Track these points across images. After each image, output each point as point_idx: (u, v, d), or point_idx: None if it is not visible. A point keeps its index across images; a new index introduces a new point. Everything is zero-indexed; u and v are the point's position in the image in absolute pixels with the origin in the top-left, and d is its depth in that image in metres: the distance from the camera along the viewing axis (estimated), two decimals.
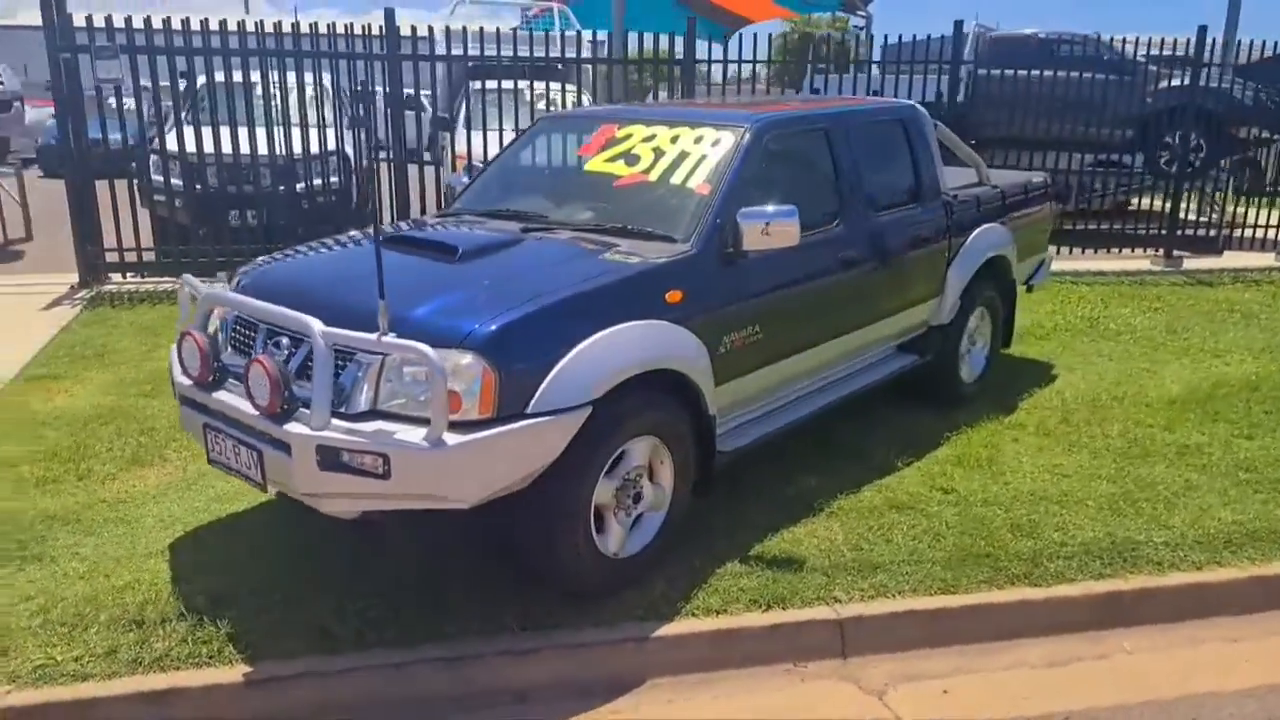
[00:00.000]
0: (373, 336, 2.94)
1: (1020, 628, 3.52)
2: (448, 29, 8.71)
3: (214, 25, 7.60)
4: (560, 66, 9.17)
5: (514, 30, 9.54)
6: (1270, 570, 3.78)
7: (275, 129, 7.90)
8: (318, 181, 8.46)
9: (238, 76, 8.08)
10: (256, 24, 8.75)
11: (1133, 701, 3.18)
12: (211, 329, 3.48)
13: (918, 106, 5.15)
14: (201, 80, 8.38)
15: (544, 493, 3.15)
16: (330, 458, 2.90)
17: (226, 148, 7.88)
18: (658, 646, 3.26)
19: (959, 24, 9.69)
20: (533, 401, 3.01)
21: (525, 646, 3.22)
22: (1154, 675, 3.34)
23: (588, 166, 4.22)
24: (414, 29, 8.57)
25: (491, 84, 9.15)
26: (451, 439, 2.87)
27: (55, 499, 4.15)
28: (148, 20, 7.70)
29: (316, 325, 3.00)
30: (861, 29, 22.43)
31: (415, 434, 2.88)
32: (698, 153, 3.98)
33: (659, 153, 4.05)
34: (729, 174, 3.87)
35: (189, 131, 8.13)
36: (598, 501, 3.32)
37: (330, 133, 8.66)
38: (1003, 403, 5.47)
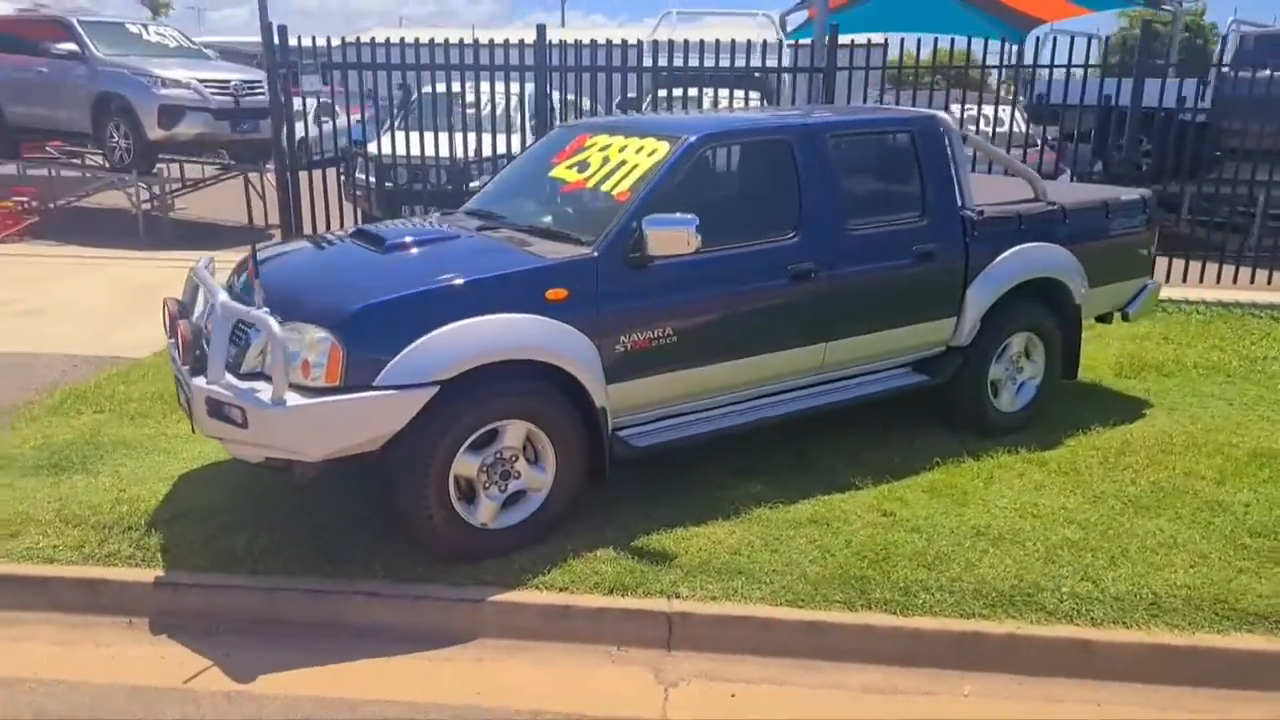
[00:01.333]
0: (258, 311, 3.51)
1: (855, 652, 3.45)
2: (640, 42, 9.25)
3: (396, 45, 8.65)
4: (757, 75, 9.38)
5: (716, 41, 9.67)
6: (1179, 640, 3.39)
7: (469, 134, 8.79)
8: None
9: (443, 88, 9.11)
10: (459, 40, 9.75)
11: None
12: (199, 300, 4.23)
13: (938, 116, 4.95)
14: (407, 91, 9.54)
15: (400, 460, 3.58)
16: (214, 407, 3.51)
17: (416, 150, 8.93)
18: (492, 610, 3.58)
19: None
20: (379, 376, 3.45)
21: (381, 591, 3.66)
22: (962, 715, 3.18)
23: (551, 173, 4.57)
24: (608, 41, 9.16)
25: (677, 91, 9.60)
26: (294, 400, 3.38)
27: (135, 429, 5.14)
28: (357, 39, 8.91)
29: (221, 297, 3.62)
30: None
31: (291, 396, 3.42)
32: (634, 162, 4.20)
33: (605, 161, 4.31)
34: (650, 183, 4.06)
35: (389, 137, 9.31)
36: (462, 474, 3.69)
37: (515, 138, 9.49)
38: (1048, 436, 5.12)
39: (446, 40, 8.87)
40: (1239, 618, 3.50)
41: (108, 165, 10.76)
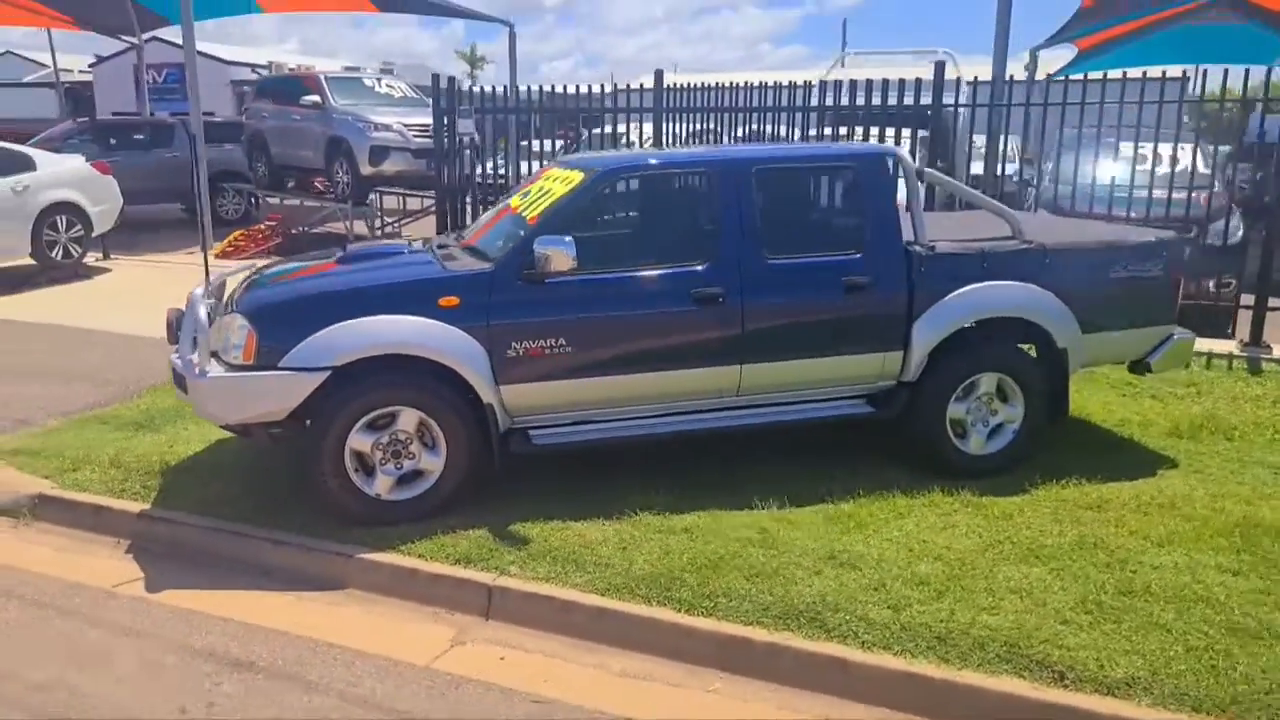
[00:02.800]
0: (202, 302, 4.43)
1: (633, 641, 3.73)
2: (806, 83, 9.62)
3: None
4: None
5: (884, 81, 9.57)
6: (937, 673, 3.37)
7: None
8: None
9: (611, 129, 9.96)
10: (639, 85, 10.49)
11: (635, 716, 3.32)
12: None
13: (886, 153, 5.01)
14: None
15: (308, 432, 4.34)
16: (175, 376, 4.46)
17: None
18: (357, 565, 4.22)
19: None
20: (283, 359, 4.23)
21: (284, 539, 4.41)
22: (693, 710, 3.38)
23: (510, 201, 5.17)
24: (775, 83, 9.63)
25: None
26: (214, 372, 4.24)
27: None
28: (548, 87, 10.01)
29: (197, 292, 4.57)
30: None
31: (212, 368, 4.30)
32: (555, 191, 4.72)
33: (542, 190, 4.86)
34: (554, 209, 4.57)
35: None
36: (357, 449, 4.38)
37: None
38: (1019, 483, 4.91)
39: (615, 86, 9.73)
40: (1023, 663, 3.39)
41: (333, 197, 12.65)
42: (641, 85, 9.66)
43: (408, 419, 4.41)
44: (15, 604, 4.05)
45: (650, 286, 4.62)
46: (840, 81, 8.82)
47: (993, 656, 3.43)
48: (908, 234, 4.93)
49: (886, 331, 4.90)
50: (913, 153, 9.53)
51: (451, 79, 9.81)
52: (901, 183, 5.05)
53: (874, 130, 9.78)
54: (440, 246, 5.10)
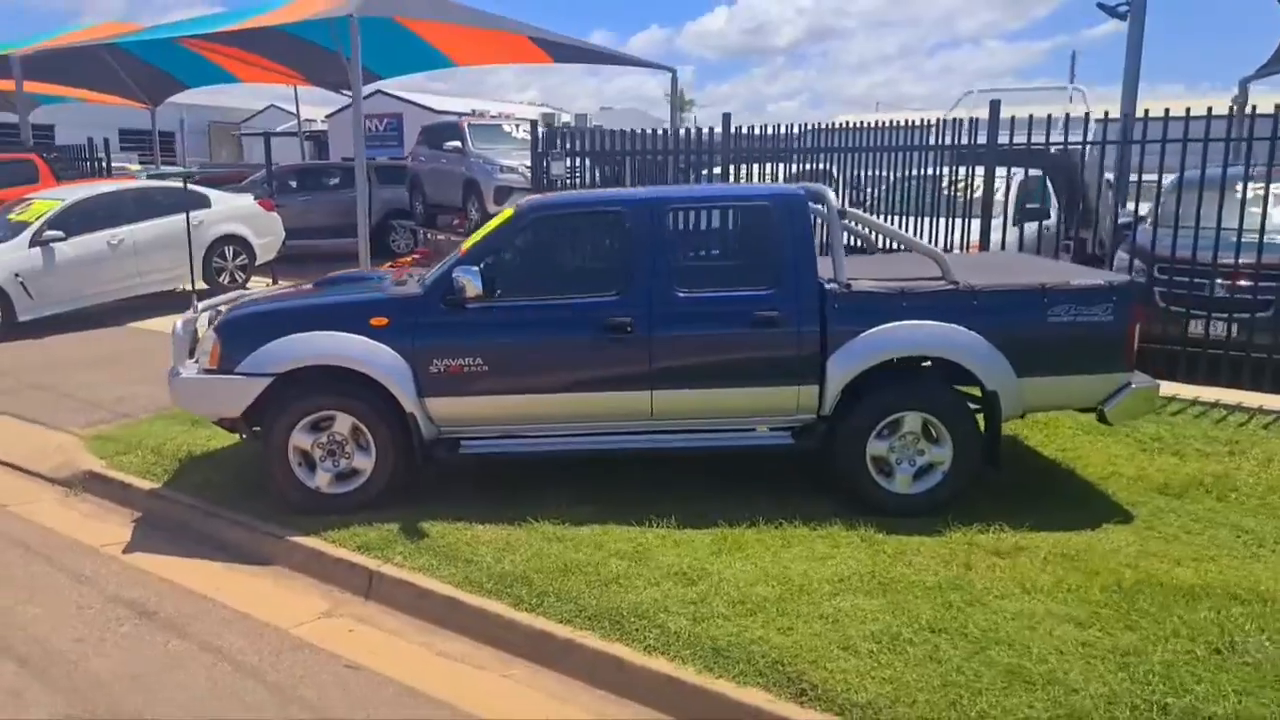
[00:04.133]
0: (184, 317, 5.29)
1: (466, 628, 4.17)
2: (923, 120, 9.67)
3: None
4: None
5: (1011, 118, 9.28)
6: (696, 679, 3.58)
7: None
8: None
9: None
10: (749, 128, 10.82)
11: (416, 688, 3.75)
12: None
13: (804, 193, 5.16)
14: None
15: (261, 430, 5.09)
16: (170, 380, 5.34)
17: None
18: (283, 546, 4.89)
19: None
20: (239, 365, 5.00)
21: (238, 520, 5.16)
22: (473, 688, 3.76)
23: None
24: (892, 121, 9.76)
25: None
26: (184, 374, 5.08)
27: None
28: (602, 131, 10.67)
29: (187, 316, 5.43)
30: None
31: (185, 371, 5.15)
32: (490, 226, 5.26)
33: (485, 226, 5.41)
34: (482, 242, 5.11)
35: None
36: (301, 447, 5.07)
37: None
38: (936, 524, 4.92)
39: (711, 130, 10.19)
40: (777, 678, 3.54)
41: (465, 233, 13.79)
42: (775, 127, 9.80)
43: (343, 423, 5.05)
44: (13, 549, 5.01)
45: (565, 315, 5.05)
46: (960, 120, 8.75)
47: (753, 670, 3.59)
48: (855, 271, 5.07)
49: (800, 366, 5.05)
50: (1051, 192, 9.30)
51: (533, 122, 10.57)
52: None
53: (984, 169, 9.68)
54: (411, 275, 5.75)
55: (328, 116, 30.02)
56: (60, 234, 10.38)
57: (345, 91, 24.84)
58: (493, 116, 21.11)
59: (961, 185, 8.25)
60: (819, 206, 5.23)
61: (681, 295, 5.03)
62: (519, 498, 5.20)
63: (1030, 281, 5.13)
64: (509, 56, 22.10)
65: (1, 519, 5.46)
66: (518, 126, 14.44)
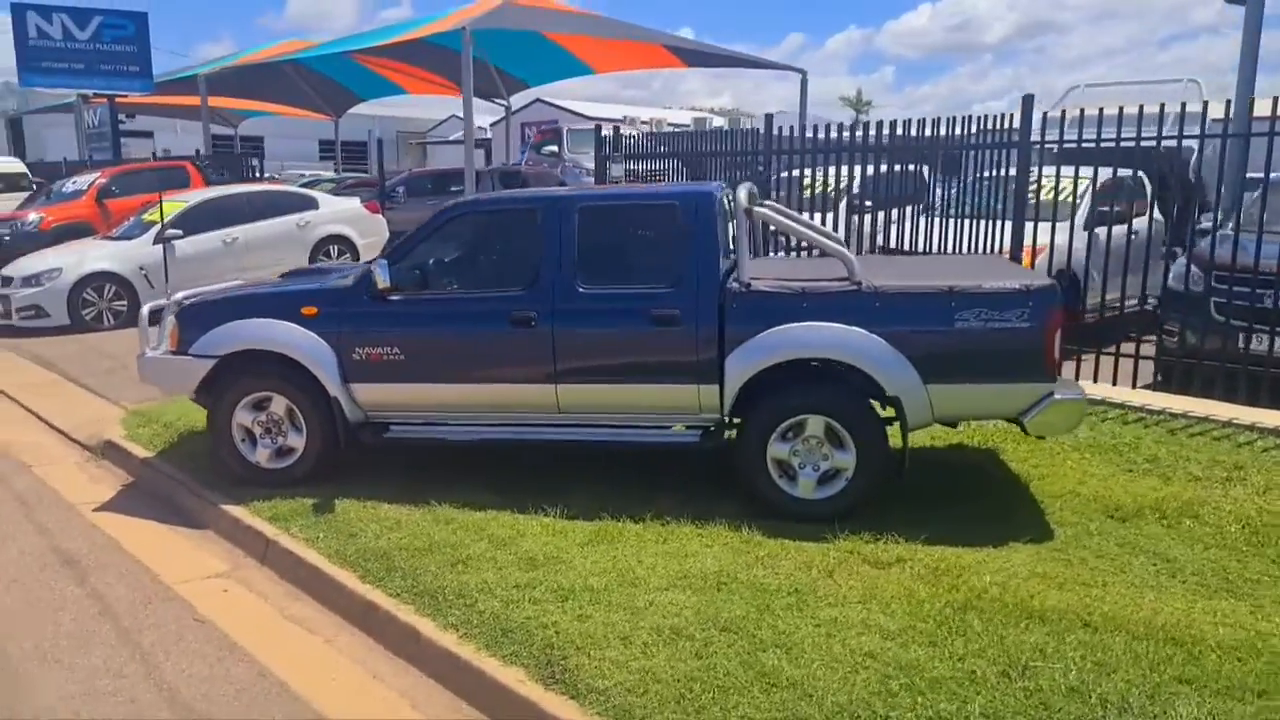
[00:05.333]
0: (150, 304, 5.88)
1: (323, 596, 4.48)
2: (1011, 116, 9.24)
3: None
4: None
5: (1100, 111, 8.61)
6: (469, 655, 3.74)
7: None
8: None
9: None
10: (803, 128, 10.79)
11: (240, 644, 4.10)
12: None
13: (712, 192, 5.14)
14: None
15: (209, 407, 5.63)
16: (137, 359, 5.95)
17: None
18: (215, 513, 5.38)
19: None
20: (190, 348, 5.55)
21: (193, 489, 5.70)
22: (297, 649, 4.06)
23: None
24: (980, 117, 9.49)
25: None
26: (148, 354, 5.67)
27: None
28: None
29: (155, 304, 6.02)
30: None
31: (149, 352, 5.75)
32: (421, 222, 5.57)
33: None
34: (408, 238, 5.43)
35: None
36: (243, 424, 5.55)
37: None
38: (828, 533, 4.76)
39: (792, 129, 10.15)
40: (541, 659, 3.64)
41: None
42: (829, 126, 9.66)
43: (279, 404, 5.50)
44: (9, 503, 5.75)
45: (477, 308, 5.29)
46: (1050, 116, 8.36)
47: (525, 652, 3.70)
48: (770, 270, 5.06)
49: (699, 365, 5.06)
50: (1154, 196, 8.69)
51: (615, 130, 10.83)
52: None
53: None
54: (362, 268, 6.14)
55: (492, 125, 31.56)
56: (179, 232, 11.55)
57: (498, 100, 26.12)
58: (643, 122, 21.61)
59: (1029, 187, 7.85)
60: (762, 209, 5.25)
61: (583, 291, 5.15)
62: (438, 482, 5.45)
63: (936, 283, 4.91)
64: (645, 63, 22.59)
65: (18, 476, 6.26)
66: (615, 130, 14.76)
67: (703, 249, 5.07)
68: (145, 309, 5.81)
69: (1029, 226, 7.76)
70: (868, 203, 8.83)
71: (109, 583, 4.68)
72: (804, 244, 7.83)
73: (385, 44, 19.11)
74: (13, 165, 24.77)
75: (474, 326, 5.28)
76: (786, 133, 9.34)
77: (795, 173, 9.71)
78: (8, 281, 11.28)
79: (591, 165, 13.20)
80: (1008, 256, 7.72)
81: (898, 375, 4.85)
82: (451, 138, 35.63)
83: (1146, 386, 7.06)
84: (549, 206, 5.29)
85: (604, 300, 5.14)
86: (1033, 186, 8.45)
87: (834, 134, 8.90)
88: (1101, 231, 8.76)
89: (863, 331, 4.86)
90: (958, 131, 8.07)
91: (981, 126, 7.96)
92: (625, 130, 15.25)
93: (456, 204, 5.51)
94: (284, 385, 5.45)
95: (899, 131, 8.33)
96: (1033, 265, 7.97)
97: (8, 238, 12.93)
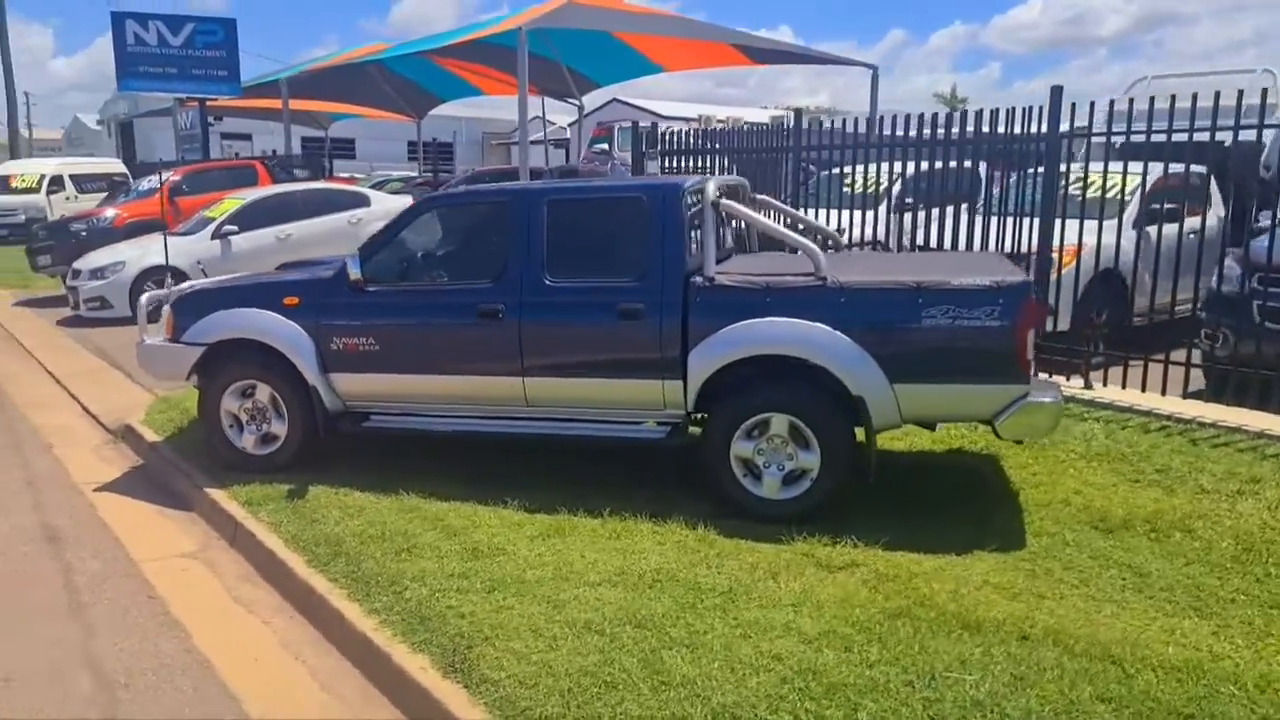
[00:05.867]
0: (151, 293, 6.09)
1: (270, 575, 4.62)
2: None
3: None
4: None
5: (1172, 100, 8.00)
6: (383, 643, 3.76)
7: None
8: None
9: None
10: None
11: (181, 620, 4.22)
12: None
13: (679, 186, 5.05)
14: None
15: (200, 394, 5.81)
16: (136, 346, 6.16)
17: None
18: (200, 496, 5.55)
19: None
20: (183, 335, 5.74)
21: (185, 470, 5.89)
22: (220, 633, 4.17)
23: None
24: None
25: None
26: (147, 342, 5.88)
27: None
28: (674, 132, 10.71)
29: (153, 293, 6.23)
30: None
31: (147, 339, 5.96)
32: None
33: None
34: (382, 230, 5.51)
35: None
36: (231, 410, 5.72)
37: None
38: (785, 534, 4.65)
39: (783, 124, 9.94)
40: (448, 649, 3.63)
41: None
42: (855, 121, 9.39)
43: (263, 392, 5.64)
44: (18, 481, 6.03)
45: (447, 300, 5.33)
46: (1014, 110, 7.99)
47: (435, 640, 3.71)
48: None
49: (663, 359, 5.00)
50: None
51: (653, 127, 10.80)
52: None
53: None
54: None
55: (570, 125, 31.84)
56: (235, 228, 11.99)
57: (571, 100, 26.32)
58: (719, 121, 21.51)
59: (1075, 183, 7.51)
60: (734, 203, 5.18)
61: (550, 284, 5.13)
62: (414, 472, 5.52)
63: (903, 279, 4.74)
64: (713, 61, 22.44)
65: (39, 456, 6.58)
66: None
67: (667, 243, 5.00)
68: (143, 299, 6.03)
69: (1065, 224, 7.38)
70: (908, 200, 8.60)
71: (83, 558, 4.87)
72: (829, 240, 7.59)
73: (448, 45, 19.45)
74: (114, 166, 26.14)
75: (444, 318, 5.32)
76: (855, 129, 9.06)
77: (837, 170, 9.51)
78: (77, 275, 11.86)
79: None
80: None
81: (862, 373, 4.69)
82: (533, 138, 36.15)
83: (1192, 395, 6.65)
84: (517, 200, 5.30)
85: (570, 294, 5.12)
86: (1077, 182, 8.13)
87: (877, 130, 8.67)
88: (1154, 231, 8.36)
89: (826, 328, 4.72)
90: (986, 127, 7.77)
91: (1010, 121, 7.65)
92: (689, 128, 15.21)
93: (431, 197, 5.57)
94: (267, 374, 5.59)
95: (941, 125, 8.08)
96: (1076, 265, 7.62)
97: (84, 233, 13.61)
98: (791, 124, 9.28)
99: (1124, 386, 6.99)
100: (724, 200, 5.04)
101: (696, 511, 4.95)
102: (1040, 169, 7.82)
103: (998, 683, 3.34)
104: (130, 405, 7.62)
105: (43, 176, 23.28)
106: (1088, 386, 7.34)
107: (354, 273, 5.22)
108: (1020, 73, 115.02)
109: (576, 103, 26.28)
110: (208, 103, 22.64)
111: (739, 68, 23.24)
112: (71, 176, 23.77)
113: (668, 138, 10.51)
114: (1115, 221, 7.97)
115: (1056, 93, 7.41)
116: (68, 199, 23.09)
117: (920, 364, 4.69)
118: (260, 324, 5.55)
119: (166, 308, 5.91)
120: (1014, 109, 7.60)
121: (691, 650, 3.55)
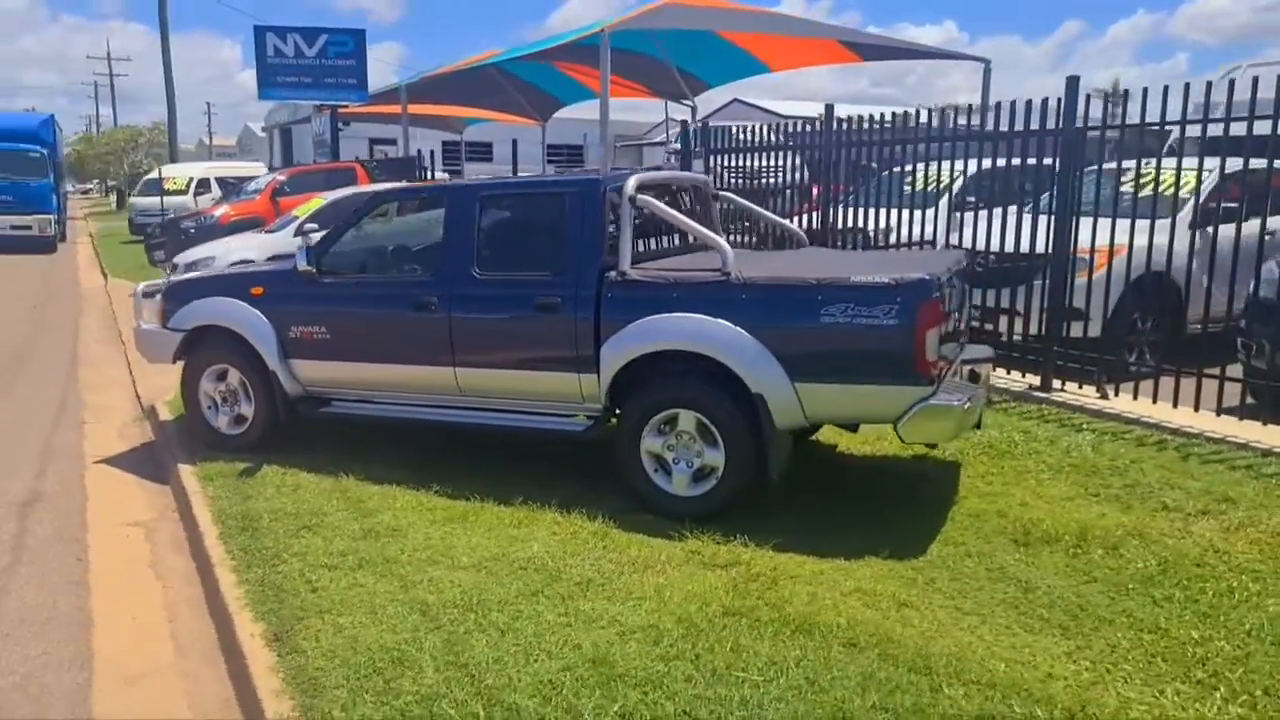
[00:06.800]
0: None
1: (194, 552, 4.90)
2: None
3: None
4: None
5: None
6: (251, 626, 3.99)
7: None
8: None
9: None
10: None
11: (91, 585, 4.58)
12: None
13: (594, 182, 5.07)
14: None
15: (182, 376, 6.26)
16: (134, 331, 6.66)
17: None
18: (176, 471, 5.97)
19: None
20: (169, 322, 6.19)
21: (171, 448, 6.35)
22: (118, 600, 4.49)
23: None
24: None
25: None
26: (143, 327, 6.37)
27: None
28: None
29: (149, 283, 6.72)
30: None
31: (142, 325, 6.45)
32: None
33: None
34: (338, 225, 5.78)
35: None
36: (208, 392, 6.13)
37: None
38: (680, 529, 4.64)
39: (818, 122, 9.73)
40: (283, 621, 3.82)
41: None
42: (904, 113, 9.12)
43: (234, 376, 6.02)
44: (33, 452, 6.62)
45: (389, 291, 5.56)
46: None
47: (277, 611, 3.91)
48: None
49: (579, 353, 5.05)
50: None
51: (699, 126, 10.79)
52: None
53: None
54: None
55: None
56: (315, 226, 12.69)
57: (684, 102, 26.38)
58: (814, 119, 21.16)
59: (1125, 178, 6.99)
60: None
61: (478, 277, 5.27)
62: (370, 455, 5.77)
63: (803, 276, 4.62)
64: (820, 59, 22.01)
65: (66, 432, 7.21)
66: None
67: (583, 238, 5.05)
68: (139, 287, 6.53)
69: (1093, 223, 6.90)
70: (969, 199, 8.26)
71: (42, 522, 5.33)
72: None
73: (545, 50, 19.89)
74: (256, 169, 28.00)
75: (386, 309, 5.54)
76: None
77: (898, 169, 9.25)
78: (175, 268, 12.83)
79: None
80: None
81: (762, 371, 4.61)
82: (657, 139, 36.41)
83: (1230, 410, 6.14)
84: (453, 195, 5.46)
85: (496, 287, 5.24)
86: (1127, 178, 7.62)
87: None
88: (1222, 231, 7.71)
89: (726, 324, 4.67)
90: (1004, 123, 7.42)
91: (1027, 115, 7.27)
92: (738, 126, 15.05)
93: (381, 192, 5.79)
94: (236, 358, 5.95)
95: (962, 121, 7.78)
96: (1109, 268, 7.11)
97: (193, 230, 14.70)
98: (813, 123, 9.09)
99: (1155, 400, 6.52)
100: (640, 196, 5.03)
101: (614, 506, 4.98)
102: (1106, 166, 7.35)
103: (785, 685, 3.26)
104: (170, 389, 8.21)
105: (191, 179, 25.16)
106: (1102, 396, 6.91)
107: (300, 264, 5.51)
108: (1209, 64, 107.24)
109: (690, 104, 26.36)
110: (338, 109, 23.94)
111: (851, 64, 22.68)
112: (217, 179, 25.59)
113: (713, 136, 10.51)
114: (1168, 221, 7.41)
115: (1073, 83, 7.01)
116: (213, 200, 24.93)
117: (821, 363, 4.57)
118: (229, 312, 5.92)
119: (158, 297, 6.38)
120: (1030, 101, 7.23)
121: (502, 635, 3.61)
